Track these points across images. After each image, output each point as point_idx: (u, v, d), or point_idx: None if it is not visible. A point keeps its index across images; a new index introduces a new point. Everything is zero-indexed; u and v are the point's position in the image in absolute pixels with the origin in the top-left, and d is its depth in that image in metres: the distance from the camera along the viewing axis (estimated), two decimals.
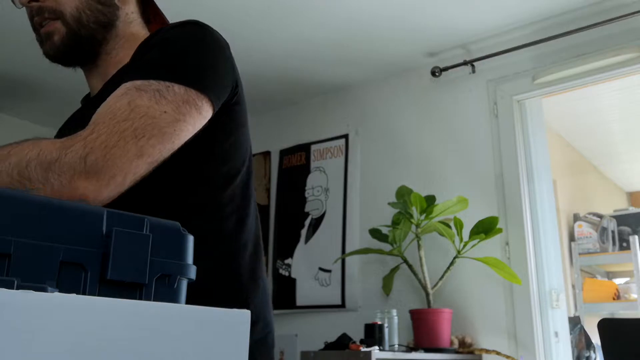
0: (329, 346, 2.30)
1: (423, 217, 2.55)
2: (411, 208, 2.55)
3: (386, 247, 2.69)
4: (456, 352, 2.46)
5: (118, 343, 0.37)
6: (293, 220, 3.32)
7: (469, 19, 2.66)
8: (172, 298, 0.54)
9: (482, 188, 2.70)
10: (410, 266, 2.59)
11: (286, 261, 3.27)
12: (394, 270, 2.73)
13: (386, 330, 2.38)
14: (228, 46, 0.97)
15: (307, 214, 3.27)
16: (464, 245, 2.48)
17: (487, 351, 2.46)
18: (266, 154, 3.56)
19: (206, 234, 0.89)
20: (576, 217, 4.02)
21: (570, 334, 3.02)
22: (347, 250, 3.03)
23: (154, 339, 0.39)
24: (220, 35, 0.97)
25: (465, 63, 2.83)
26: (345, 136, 3.26)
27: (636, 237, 3.85)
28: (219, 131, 0.94)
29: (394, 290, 2.80)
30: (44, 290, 0.36)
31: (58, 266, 0.50)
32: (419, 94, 3.05)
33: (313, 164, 3.34)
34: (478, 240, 2.43)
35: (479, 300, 2.60)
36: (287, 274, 3.24)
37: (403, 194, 2.63)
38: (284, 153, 3.50)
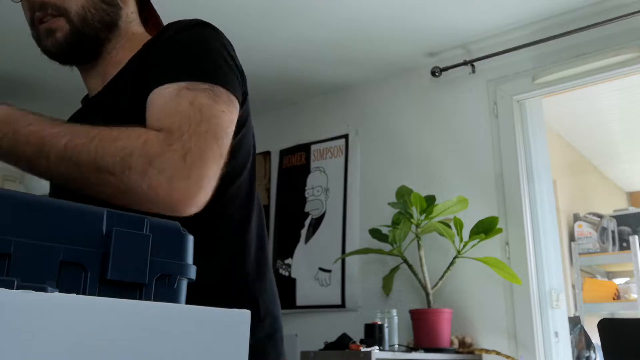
0: (329, 346, 2.30)
1: (423, 217, 2.55)
2: (411, 208, 2.55)
3: (386, 247, 2.69)
4: (456, 352, 2.46)
5: (118, 343, 0.37)
6: (293, 220, 3.32)
7: (469, 19, 2.66)
8: (172, 298, 0.54)
9: (482, 188, 2.70)
10: (410, 266, 2.59)
11: (286, 261, 3.27)
12: (394, 270, 2.73)
13: (386, 330, 2.38)
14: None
15: (307, 214, 3.27)
16: (464, 245, 2.48)
17: (487, 351, 2.46)
18: (266, 154, 3.56)
19: (211, 232, 0.89)
20: (576, 217, 4.02)
21: (570, 334, 3.02)
22: (347, 250, 3.03)
23: (154, 339, 0.39)
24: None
25: (465, 63, 2.83)
26: (345, 136, 3.26)
27: (636, 237, 3.85)
28: None
29: (394, 290, 2.80)
30: (44, 290, 0.36)
31: (58, 266, 0.50)
32: (419, 94, 3.05)
33: (313, 164, 3.34)
34: (478, 240, 2.43)
35: (479, 300, 2.60)
36: (287, 274, 3.24)
37: (403, 194, 2.63)
38: (284, 153, 3.50)
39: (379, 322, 2.39)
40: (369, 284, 2.95)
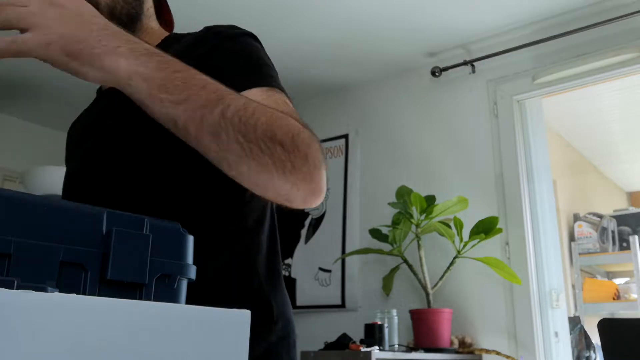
0: (329, 346, 2.30)
1: (423, 217, 2.55)
2: (411, 208, 2.55)
3: (386, 247, 2.69)
4: (456, 352, 2.46)
5: (118, 343, 0.37)
6: (293, 220, 3.32)
7: (469, 19, 2.66)
8: (172, 298, 0.54)
9: (482, 188, 2.70)
10: (410, 266, 2.59)
11: (286, 261, 3.27)
12: (394, 270, 2.73)
13: (386, 330, 2.38)
14: None
15: (307, 214, 3.27)
16: (464, 245, 2.48)
17: (487, 351, 2.46)
18: None
19: (225, 232, 0.88)
20: (576, 217, 4.02)
21: (570, 334, 3.02)
22: (347, 250, 3.03)
23: (154, 339, 0.39)
24: None
25: (465, 63, 2.83)
26: (345, 136, 3.26)
27: (636, 237, 3.85)
28: None
29: (394, 290, 2.80)
30: (44, 290, 0.36)
31: (58, 266, 0.50)
32: (419, 94, 3.05)
33: None
34: (478, 240, 2.43)
35: (479, 300, 2.60)
36: (287, 274, 3.25)
37: (403, 194, 2.63)
38: None
39: (379, 322, 2.39)
40: (369, 284, 2.95)
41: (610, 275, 4.51)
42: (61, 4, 0.61)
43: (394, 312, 2.50)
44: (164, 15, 1.12)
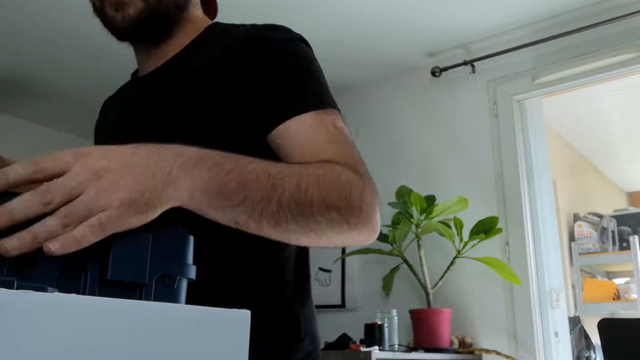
0: (329, 346, 2.30)
1: (423, 217, 2.55)
2: (411, 208, 2.55)
3: (386, 247, 2.68)
4: (456, 352, 2.46)
5: (118, 343, 0.37)
6: None
7: (469, 19, 2.66)
8: (172, 298, 0.54)
9: (482, 188, 2.70)
10: (410, 266, 2.59)
11: None
12: (394, 270, 2.73)
13: (386, 330, 2.38)
14: None
15: None
16: (464, 245, 2.48)
17: (487, 351, 2.46)
18: None
19: (252, 245, 0.84)
20: (576, 217, 4.02)
21: (570, 334, 3.02)
22: (347, 250, 3.03)
23: (154, 339, 0.39)
24: None
25: (465, 63, 2.83)
26: None
27: (636, 237, 3.85)
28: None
29: (394, 290, 2.80)
30: (44, 290, 0.36)
31: (58, 266, 0.50)
32: (419, 94, 3.05)
33: None
34: (478, 240, 2.43)
35: (479, 300, 2.60)
36: None
37: (403, 194, 2.63)
38: None
39: (379, 322, 2.39)
40: (369, 284, 2.95)
41: (610, 275, 4.51)
42: (105, 168, 0.56)
43: (394, 312, 2.50)
44: (208, 2, 1.09)
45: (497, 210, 2.62)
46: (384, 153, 3.08)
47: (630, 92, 3.55)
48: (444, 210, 2.53)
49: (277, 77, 0.86)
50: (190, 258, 0.57)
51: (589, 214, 4.02)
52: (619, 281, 4.24)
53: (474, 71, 2.83)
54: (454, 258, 2.51)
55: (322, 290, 3.09)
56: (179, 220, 0.59)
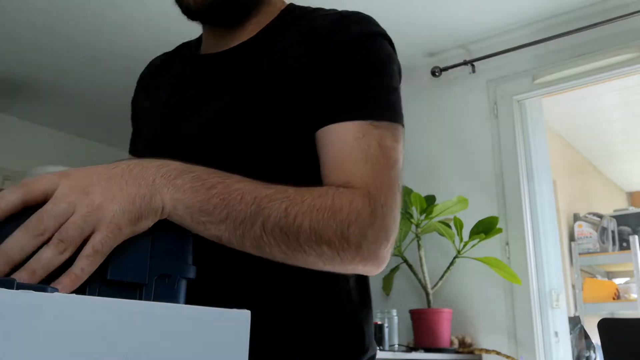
0: None
1: (423, 217, 2.55)
2: (411, 208, 2.55)
3: None
4: (456, 352, 2.46)
5: (118, 343, 0.37)
6: None
7: (469, 19, 2.66)
8: (172, 298, 0.54)
9: (482, 188, 2.70)
10: (410, 266, 2.59)
11: None
12: (394, 270, 2.73)
13: (386, 330, 2.38)
14: None
15: None
16: (464, 245, 2.48)
17: (487, 351, 2.46)
18: None
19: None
20: (576, 217, 4.02)
21: (570, 334, 3.02)
22: None
23: (154, 339, 0.39)
24: None
25: (465, 63, 2.83)
26: None
27: (636, 237, 3.85)
28: None
29: (394, 290, 2.80)
30: (44, 290, 0.36)
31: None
32: (418, 93, 3.04)
33: None
34: (478, 240, 2.43)
35: (479, 300, 2.60)
36: None
37: (403, 193, 2.63)
38: None
39: (379, 322, 2.39)
40: None
41: (610, 275, 4.51)
42: (90, 184, 0.55)
43: (394, 312, 2.50)
44: None
45: (497, 210, 2.62)
46: None
47: (630, 92, 3.55)
48: (444, 210, 2.53)
49: (341, 73, 0.82)
50: (190, 258, 0.57)
51: (589, 214, 4.02)
52: (619, 281, 4.24)
53: (474, 71, 2.83)
54: (454, 258, 2.51)
55: None
56: None
